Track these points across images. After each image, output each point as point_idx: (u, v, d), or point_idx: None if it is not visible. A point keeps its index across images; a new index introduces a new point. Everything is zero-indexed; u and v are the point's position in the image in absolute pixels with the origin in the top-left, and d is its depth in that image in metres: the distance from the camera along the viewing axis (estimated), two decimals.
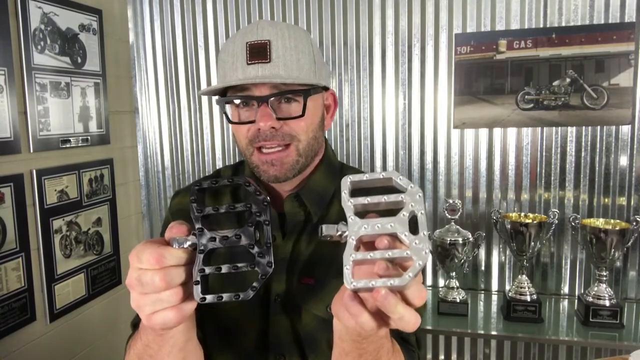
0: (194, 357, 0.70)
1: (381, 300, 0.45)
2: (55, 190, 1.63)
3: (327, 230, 0.52)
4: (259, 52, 0.75)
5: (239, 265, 0.53)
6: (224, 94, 0.82)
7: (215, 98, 0.85)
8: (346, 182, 0.52)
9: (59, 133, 1.65)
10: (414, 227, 0.48)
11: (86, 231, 1.77)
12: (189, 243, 0.54)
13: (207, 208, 0.55)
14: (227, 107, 0.82)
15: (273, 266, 0.53)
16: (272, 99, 0.76)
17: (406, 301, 0.48)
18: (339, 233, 0.51)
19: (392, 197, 0.50)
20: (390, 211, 0.51)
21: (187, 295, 0.54)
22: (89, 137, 1.79)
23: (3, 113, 1.43)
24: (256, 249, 0.53)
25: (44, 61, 1.58)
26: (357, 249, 0.50)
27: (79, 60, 1.74)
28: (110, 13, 1.93)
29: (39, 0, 1.55)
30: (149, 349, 0.64)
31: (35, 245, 1.56)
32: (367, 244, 0.51)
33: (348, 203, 0.51)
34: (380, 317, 0.49)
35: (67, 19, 1.67)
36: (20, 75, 1.50)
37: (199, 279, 0.53)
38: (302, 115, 0.77)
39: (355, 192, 0.52)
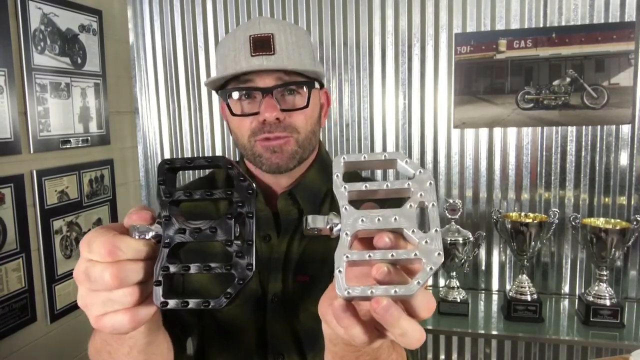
0: (158, 358, 0.62)
1: (381, 313, 0.37)
2: (56, 190, 1.63)
3: (314, 222, 0.42)
4: (262, 45, 0.76)
5: (212, 265, 0.43)
6: (224, 88, 0.82)
7: (210, 89, 0.84)
8: (339, 162, 0.42)
9: (59, 134, 1.64)
10: (421, 222, 0.43)
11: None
12: (152, 234, 0.44)
13: (177, 192, 0.45)
14: (229, 100, 0.81)
15: (254, 269, 0.42)
16: (276, 90, 0.76)
17: (410, 312, 0.39)
18: (329, 226, 0.42)
19: (397, 184, 0.41)
20: (393, 201, 0.42)
21: (146, 297, 0.45)
22: (89, 138, 1.78)
23: (3, 114, 1.43)
24: (235, 247, 0.43)
25: (44, 62, 1.58)
26: (351, 246, 0.40)
27: (79, 60, 1.74)
28: (110, 13, 1.93)
29: (38, 0, 1.55)
30: (107, 346, 0.58)
31: (36, 246, 1.56)
32: (363, 240, 0.42)
33: (341, 189, 0.41)
34: (376, 327, 0.41)
35: (67, 20, 1.67)
36: (20, 75, 1.49)
37: (160, 278, 0.43)
38: (307, 106, 0.78)
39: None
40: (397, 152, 0.42)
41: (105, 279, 0.42)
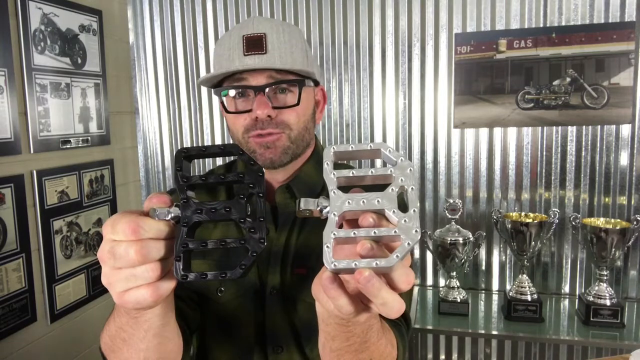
0: (170, 344, 0.65)
1: (364, 282, 0.41)
2: (56, 190, 1.63)
3: (305, 204, 0.47)
4: (255, 44, 0.79)
5: (228, 240, 0.47)
6: (221, 86, 0.85)
7: (205, 89, 0.87)
8: (329, 152, 0.47)
9: (59, 134, 1.64)
10: (402, 204, 0.44)
11: (87, 232, 1.77)
12: (171, 215, 0.48)
13: (193, 177, 0.49)
14: (224, 98, 0.84)
15: (265, 243, 0.47)
16: (268, 88, 0.79)
17: (391, 285, 0.43)
18: (319, 208, 0.46)
19: (380, 171, 0.46)
20: (377, 186, 0.46)
21: (166, 273, 0.49)
22: (89, 138, 1.79)
23: (3, 114, 1.43)
24: (247, 224, 0.47)
25: (44, 62, 1.58)
26: (339, 226, 0.45)
27: (79, 60, 1.74)
28: (110, 13, 1.93)
29: (39, 1, 1.55)
30: (122, 332, 0.60)
31: (36, 246, 1.56)
32: (351, 222, 0.46)
33: (330, 175, 0.46)
34: (361, 300, 0.46)
35: (67, 20, 1.67)
36: (20, 76, 1.50)
37: (180, 254, 0.47)
38: (298, 104, 0.81)
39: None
40: (381, 143, 0.46)
41: (130, 255, 0.46)
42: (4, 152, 1.43)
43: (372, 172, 0.46)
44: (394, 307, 0.43)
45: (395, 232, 0.42)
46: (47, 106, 1.59)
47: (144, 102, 2.13)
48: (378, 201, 0.44)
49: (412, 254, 0.44)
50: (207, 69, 2.05)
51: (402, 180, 0.45)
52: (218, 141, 2.08)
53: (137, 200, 2.14)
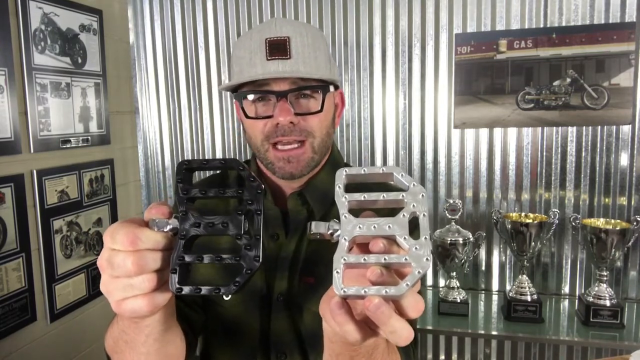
0: (172, 347, 0.66)
1: (373, 310, 0.41)
2: (56, 190, 1.63)
3: (316, 227, 0.47)
4: (278, 48, 0.75)
5: (223, 256, 0.48)
6: (238, 90, 0.82)
7: (224, 92, 0.85)
8: (341, 175, 0.47)
9: (59, 133, 1.64)
10: (413, 229, 0.44)
11: (87, 231, 1.77)
12: (169, 227, 0.49)
13: (193, 190, 0.50)
14: (243, 102, 0.81)
15: (260, 261, 0.47)
16: (290, 94, 0.76)
17: (400, 312, 0.43)
18: (330, 232, 0.46)
19: (392, 195, 0.46)
20: (389, 211, 0.46)
21: (162, 284, 0.50)
22: (89, 138, 1.78)
23: (3, 113, 1.43)
24: (244, 241, 0.48)
25: (44, 61, 1.58)
26: (349, 250, 0.45)
27: (80, 60, 1.74)
28: (111, 13, 1.93)
29: (39, 0, 1.55)
30: (125, 335, 0.61)
31: (36, 246, 1.56)
32: (361, 246, 0.46)
33: (342, 199, 0.46)
34: (368, 326, 0.45)
35: (67, 19, 1.67)
36: (20, 75, 1.49)
37: (176, 267, 0.47)
38: (321, 110, 0.78)
39: (351, 187, 0.48)
40: (394, 167, 0.47)
41: (127, 266, 0.47)
42: (4, 151, 1.43)
43: (383, 196, 0.46)
44: (403, 335, 0.42)
45: (405, 259, 0.42)
46: (47, 106, 1.59)
47: (144, 102, 2.13)
48: (389, 227, 0.44)
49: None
50: (207, 69, 2.05)
51: (413, 206, 0.45)
52: (218, 141, 2.08)
53: (137, 200, 2.15)
